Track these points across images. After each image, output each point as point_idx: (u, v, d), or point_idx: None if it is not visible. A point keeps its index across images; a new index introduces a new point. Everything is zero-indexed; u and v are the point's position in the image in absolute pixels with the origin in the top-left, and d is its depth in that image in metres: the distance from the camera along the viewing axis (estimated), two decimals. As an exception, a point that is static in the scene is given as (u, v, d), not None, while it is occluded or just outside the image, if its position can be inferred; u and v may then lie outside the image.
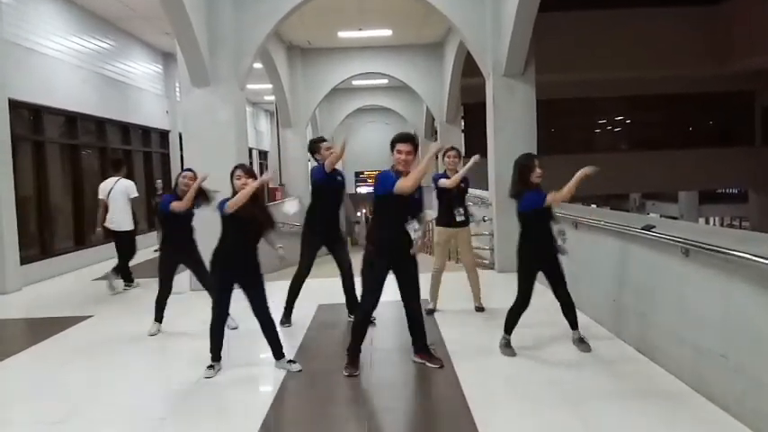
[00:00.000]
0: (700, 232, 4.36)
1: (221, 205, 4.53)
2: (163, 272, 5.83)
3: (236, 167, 4.64)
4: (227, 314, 4.70)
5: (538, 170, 4.64)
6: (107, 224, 8.18)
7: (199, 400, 4.28)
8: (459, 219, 6.02)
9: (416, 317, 4.70)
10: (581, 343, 4.87)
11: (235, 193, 4.53)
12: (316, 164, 5.87)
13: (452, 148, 6.16)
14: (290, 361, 4.76)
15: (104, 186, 8.35)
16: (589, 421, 3.67)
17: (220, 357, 4.72)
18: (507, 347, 4.86)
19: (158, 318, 5.91)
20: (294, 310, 6.04)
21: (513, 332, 4.90)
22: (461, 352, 4.97)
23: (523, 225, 4.79)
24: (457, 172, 6.03)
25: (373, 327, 5.70)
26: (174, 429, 3.86)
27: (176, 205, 5.47)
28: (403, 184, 4.24)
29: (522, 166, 4.71)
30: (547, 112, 9.87)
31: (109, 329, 6.29)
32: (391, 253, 4.48)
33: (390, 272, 4.57)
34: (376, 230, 4.54)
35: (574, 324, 4.93)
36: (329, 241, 5.91)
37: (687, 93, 17.89)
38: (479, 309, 6.23)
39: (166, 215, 5.61)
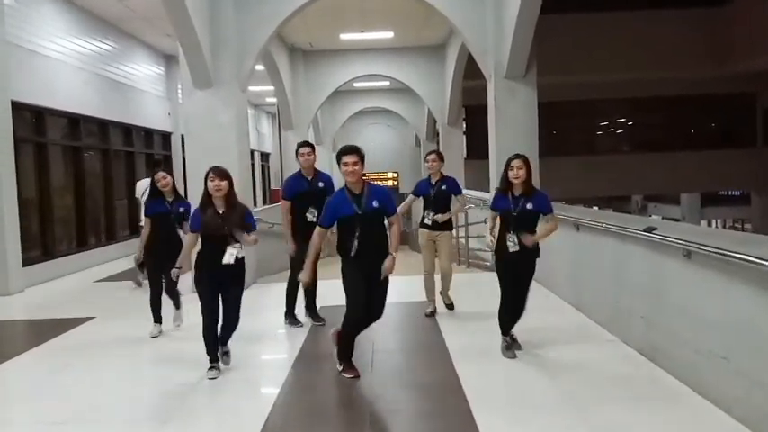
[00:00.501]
0: (701, 234, 4.37)
1: (191, 222, 4.62)
2: (149, 271, 5.88)
3: (210, 169, 4.57)
4: (218, 316, 4.65)
5: (513, 170, 4.67)
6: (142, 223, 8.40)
7: (200, 402, 4.29)
8: (426, 221, 6.06)
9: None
10: (507, 350, 4.84)
11: (207, 193, 4.51)
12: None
13: (433, 152, 6.21)
14: (225, 352, 4.77)
15: (140, 186, 8.62)
16: (592, 423, 3.67)
17: (218, 358, 4.72)
18: (508, 350, 4.86)
19: (156, 318, 5.93)
20: (294, 313, 6.05)
21: (516, 333, 4.90)
22: (463, 354, 4.97)
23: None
24: (441, 174, 6.05)
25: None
26: (175, 431, 3.86)
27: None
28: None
29: (505, 166, 4.78)
30: (548, 115, 9.88)
31: (110, 331, 6.30)
32: (355, 265, 4.44)
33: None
34: (341, 243, 4.52)
35: (508, 329, 4.87)
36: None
37: (688, 95, 17.88)
38: (449, 306, 6.26)
39: (151, 215, 5.69)
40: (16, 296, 8.30)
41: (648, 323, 4.65)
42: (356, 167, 4.40)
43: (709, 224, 24.21)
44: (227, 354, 4.81)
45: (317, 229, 4.54)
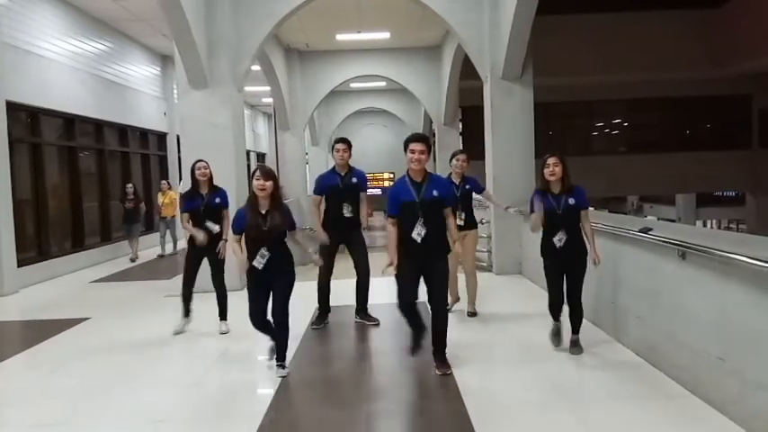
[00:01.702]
0: (696, 235, 4.37)
1: (234, 224, 4.64)
2: (188, 264, 5.85)
3: (257, 167, 4.66)
4: (262, 315, 4.63)
5: (549, 168, 4.74)
6: None
7: (196, 403, 4.27)
8: (458, 222, 6.01)
9: (435, 321, 4.63)
10: (575, 346, 4.89)
11: (252, 193, 4.56)
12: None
13: (461, 152, 6.20)
14: (280, 365, 4.71)
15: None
16: (589, 424, 3.67)
17: (282, 358, 4.69)
18: (555, 336, 4.94)
19: (185, 312, 5.90)
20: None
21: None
22: (460, 355, 4.95)
23: None
24: (463, 176, 6.08)
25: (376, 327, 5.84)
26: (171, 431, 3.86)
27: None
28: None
29: (542, 164, 4.83)
30: (544, 115, 9.89)
31: (106, 332, 6.29)
32: (411, 254, 4.49)
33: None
34: (400, 232, 4.56)
35: (576, 328, 4.92)
36: (347, 241, 5.94)
37: (684, 96, 17.91)
38: (472, 314, 6.18)
39: (187, 211, 5.68)
40: (11, 297, 8.27)
41: (644, 323, 4.66)
42: (422, 156, 4.49)
43: (705, 225, 24.27)
44: (281, 367, 4.69)
45: (389, 218, 4.58)
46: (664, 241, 4.24)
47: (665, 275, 4.35)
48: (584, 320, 5.67)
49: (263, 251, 4.50)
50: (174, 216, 11.67)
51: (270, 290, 4.60)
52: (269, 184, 4.51)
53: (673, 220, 22.07)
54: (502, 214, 8.35)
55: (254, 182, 4.52)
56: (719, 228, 24.42)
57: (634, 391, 4.12)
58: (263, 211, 4.53)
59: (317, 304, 6.10)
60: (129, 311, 7.24)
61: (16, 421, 4.15)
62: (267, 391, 4.42)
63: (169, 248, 12.17)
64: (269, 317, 4.64)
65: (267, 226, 4.50)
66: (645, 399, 3.98)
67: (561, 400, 4.03)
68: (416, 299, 4.56)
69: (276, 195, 4.59)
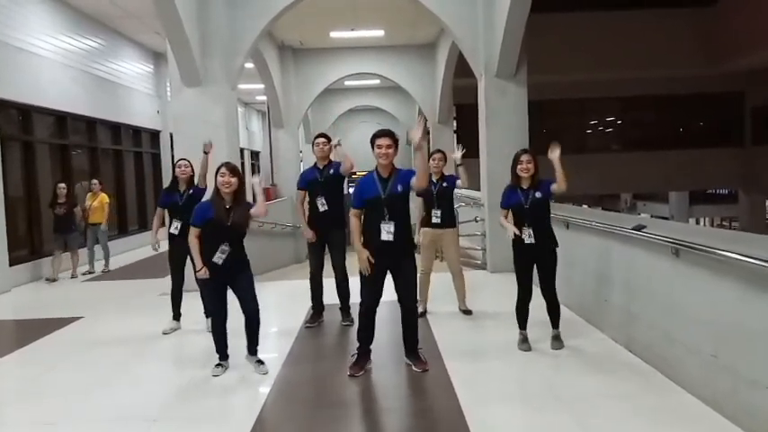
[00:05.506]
0: (690, 232, 4.39)
1: (194, 217, 4.60)
2: (172, 264, 5.82)
3: (222, 164, 4.59)
4: (225, 310, 4.66)
5: (522, 164, 4.84)
6: None
7: (190, 400, 4.26)
8: (434, 220, 6.03)
9: (406, 318, 4.68)
10: (556, 340, 4.97)
11: (217, 189, 4.53)
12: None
13: (438, 151, 6.21)
14: (259, 361, 4.76)
15: None
16: (581, 420, 3.68)
17: (227, 356, 4.77)
18: (523, 343, 4.95)
19: (175, 315, 5.92)
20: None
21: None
22: (453, 353, 4.97)
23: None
24: (441, 174, 6.07)
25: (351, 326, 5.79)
26: (165, 430, 3.84)
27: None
28: (420, 184, 4.41)
29: (513, 161, 4.93)
30: (538, 113, 9.90)
31: (99, 330, 6.26)
32: (378, 252, 4.48)
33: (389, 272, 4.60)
34: (364, 228, 4.57)
35: (555, 323, 5.01)
36: (327, 240, 5.91)
37: (677, 93, 17.99)
38: (466, 312, 6.20)
39: (176, 207, 5.65)
40: (3, 296, 8.23)
41: (638, 321, 4.67)
42: (389, 150, 4.45)
43: (698, 222, 24.38)
44: (260, 363, 4.74)
45: (351, 210, 4.59)
46: (657, 239, 4.25)
47: (658, 273, 4.36)
48: (578, 317, 5.72)
49: (224, 246, 4.50)
50: (102, 223, 10.08)
51: (225, 290, 4.63)
52: (234, 180, 4.50)
53: (666, 218, 22.15)
54: (496, 210, 8.35)
55: (219, 178, 4.49)
56: (712, 225, 24.53)
57: (628, 389, 4.13)
58: (227, 207, 4.52)
59: (309, 303, 6.08)
60: (122, 310, 7.21)
61: (13, 420, 4.13)
62: (261, 390, 4.41)
63: (100, 265, 10.24)
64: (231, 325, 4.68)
65: (230, 221, 4.50)
66: (638, 396, 4.00)
67: (555, 398, 4.04)
68: (378, 303, 4.59)
69: (239, 192, 4.57)
